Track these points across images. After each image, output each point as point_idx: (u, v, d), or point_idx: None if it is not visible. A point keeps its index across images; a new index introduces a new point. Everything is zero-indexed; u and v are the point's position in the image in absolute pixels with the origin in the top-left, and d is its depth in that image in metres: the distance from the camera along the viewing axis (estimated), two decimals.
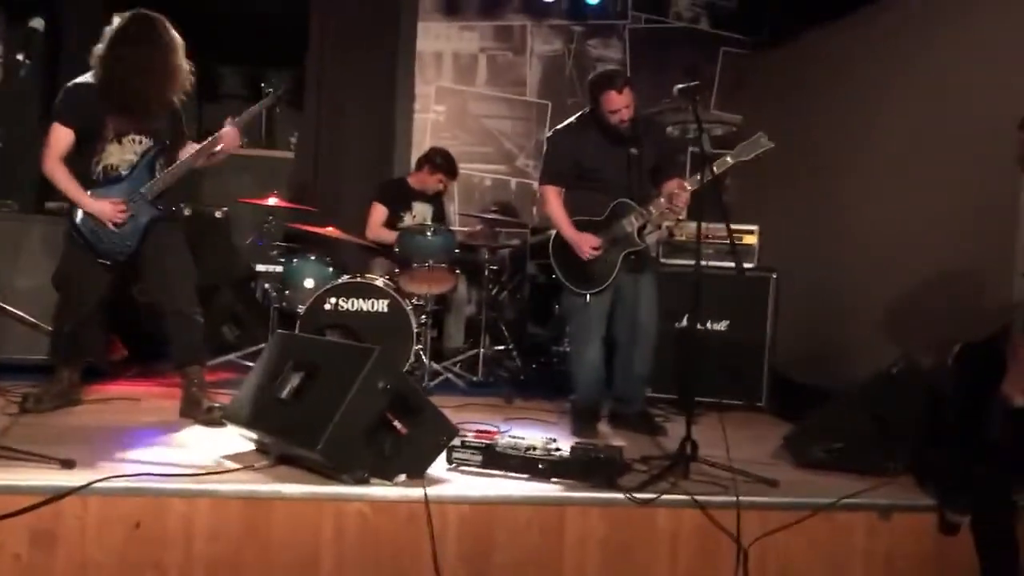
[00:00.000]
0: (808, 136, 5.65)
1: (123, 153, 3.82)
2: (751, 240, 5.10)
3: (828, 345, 5.22)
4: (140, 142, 3.84)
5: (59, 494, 2.75)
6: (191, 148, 3.95)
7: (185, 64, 3.82)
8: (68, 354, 4.02)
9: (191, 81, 3.87)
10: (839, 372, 4.73)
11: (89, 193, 3.77)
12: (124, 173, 3.82)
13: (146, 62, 3.69)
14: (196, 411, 3.89)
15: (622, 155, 4.12)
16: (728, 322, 4.97)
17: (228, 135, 3.89)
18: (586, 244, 4.08)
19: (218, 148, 3.89)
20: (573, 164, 4.19)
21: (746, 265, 5.00)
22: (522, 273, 5.99)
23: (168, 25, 3.78)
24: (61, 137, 3.75)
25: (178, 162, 3.90)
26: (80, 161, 3.80)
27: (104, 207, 3.75)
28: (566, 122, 4.34)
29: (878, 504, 3.23)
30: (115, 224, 3.76)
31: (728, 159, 3.83)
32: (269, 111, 5.60)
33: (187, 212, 5.57)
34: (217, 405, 3.82)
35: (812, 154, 5.61)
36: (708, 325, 4.91)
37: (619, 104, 3.99)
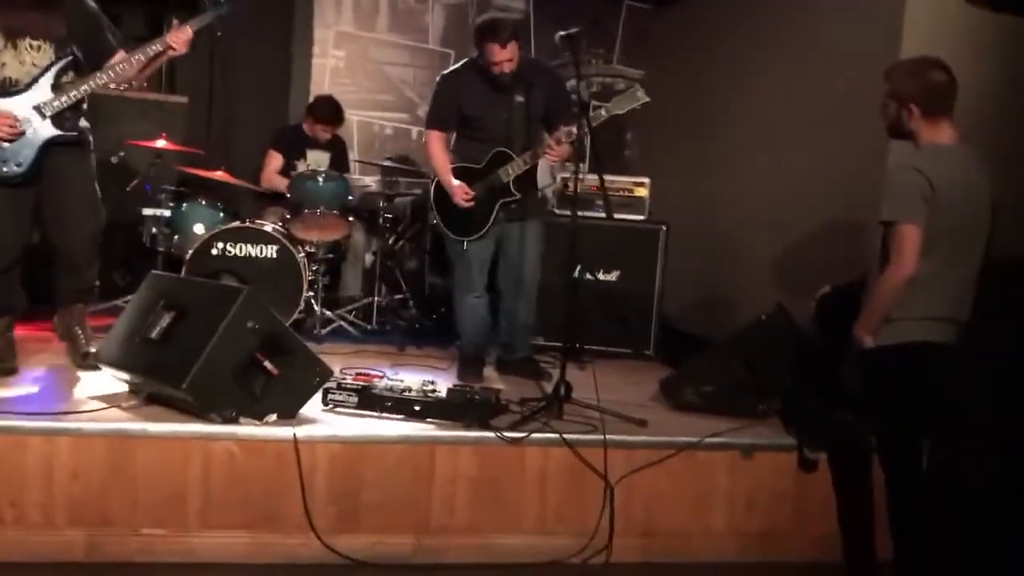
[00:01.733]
0: (700, 92, 5.74)
1: (20, 63, 3.44)
2: (642, 192, 5.18)
3: (715, 295, 5.37)
4: (40, 49, 3.45)
5: None
6: (120, 57, 3.55)
7: None
8: None
9: None
10: (724, 322, 4.86)
11: None
12: (23, 85, 3.42)
13: None
14: (73, 353, 3.76)
15: (506, 103, 4.12)
16: (619, 272, 5.06)
17: (179, 36, 3.48)
18: (460, 192, 4.10)
19: (167, 49, 3.50)
20: (456, 110, 4.19)
21: (637, 217, 5.09)
22: (423, 223, 5.98)
23: None
24: None
25: (94, 74, 3.49)
26: None
27: None
28: (452, 67, 4.33)
29: (740, 444, 3.37)
30: (3, 139, 3.37)
31: (603, 111, 3.86)
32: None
33: (114, 160, 5.38)
34: (93, 350, 3.65)
35: (703, 110, 5.71)
36: (599, 275, 4.99)
37: (501, 57, 3.98)
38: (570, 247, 3.70)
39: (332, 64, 6.37)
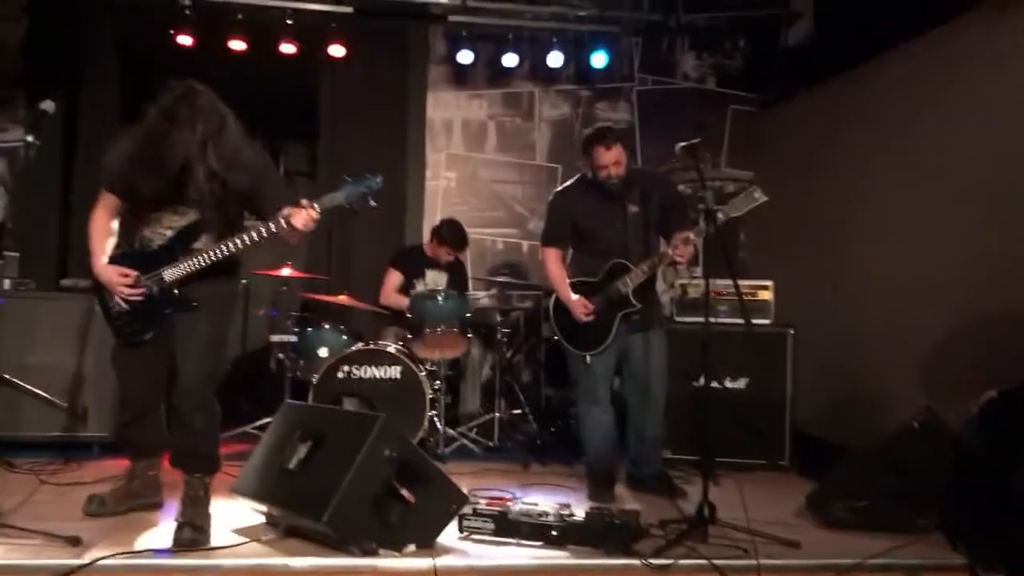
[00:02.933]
0: (818, 190, 5.63)
1: (158, 224, 3.41)
2: (766, 296, 5.03)
3: (851, 400, 5.11)
4: (182, 213, 3.40)
5: (62, 572, 2.71)
6: (256, 225, 3.35)
7: (225, 136, 3.32)
8: (130, 448, 3.64)
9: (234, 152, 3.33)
10: (862, 427, 4.61)
11: (108, 257, 3.43)
12: (155, 247, 3.40)
13: (169, 133, 3.26)
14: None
15: (620, 213, 4.12)
16: (747, 380, 4.89)
17: (304, 218, 3.23)
18: (579, 307, 4.07)
19: (284, 230, 3.26)
20: (570, 225, 4.22)
21: (763, 321, 4.94)
22: (536, 335, 5.96)
23: (210, 96, 3.37)
24: (102, 199, 3.47)
25: (216, 246, 3.33)
26: (131, 227, 3.49)
27: (110, 274, 3.36)
28: (564, 184, 4.38)
29: (906, 564, 3.12)
30: (124, 300, 3.37)
31: (720, 214, 3.79)
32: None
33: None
34: (191, 524, 3.19)
35: (822, 208, 5.58)
36: (726, 383, 4.83)
37: (607, 160, 4.02)
38: (702, 355, 3.59)
39: (444, 185, 6.56)
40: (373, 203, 3.34)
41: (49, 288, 5.21)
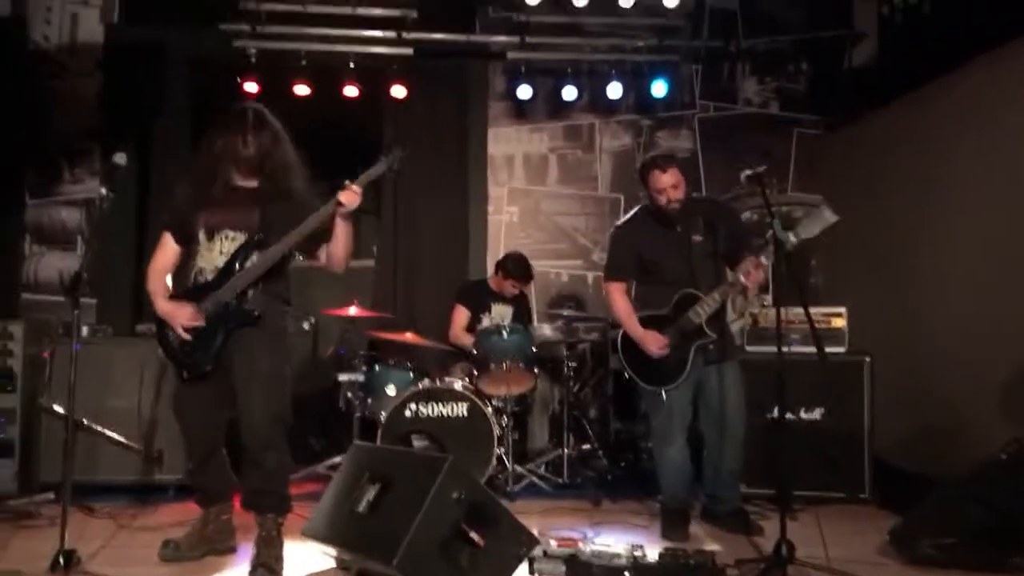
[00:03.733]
0: (889, 212, 5.47)
1: (211, 254, 3.48)
2: (840, 323, 4.88)
3: (933, 428, 4.91)
4: (233, 239, 3.48)
5: None
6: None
7: (282, 152, 3.53)
8: (199, 495, 3.67)
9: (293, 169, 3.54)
10: (947, 456, 4.42)
11: (169, 295, 3.52)
12: (209, 277, 3.47)
13: (223, 148, 3.46)
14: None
15: (683, 244, 4.05)
16: (823, 410, 4.73)
17: (347, 194, 3.39)
18: (653, 341, 3.99)
19: (335, 208, 3.41)
20: (635, 258, 4.15)
21: (837, 349, 4.79)
22: (604, 368, 5.89)
23: (261, 114, 3.54)
24: (161, 241, 3.61)
25: (269, 249, 3.45)
26: (185, 266, 3.59)
27: (171, 309, 3.45)
28: (625, 217, 4.33)
29: None
30: (186, 330, 3.42)
31: (792, 237, 3.68)
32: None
33: (306, 326, 5.55)
34: (265, 565, 3.30)
35: (894, 231, 5.42)
36: (801, 414, 4.70)
37: (665, 183, 3.96)
38: (775, 386, 3.48)
39: (507, 219, 6.57)
40: (396, 167, 3.59)
41: (124, 333, 5.36)
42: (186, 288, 3.54)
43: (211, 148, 3.48)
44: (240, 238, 3.48)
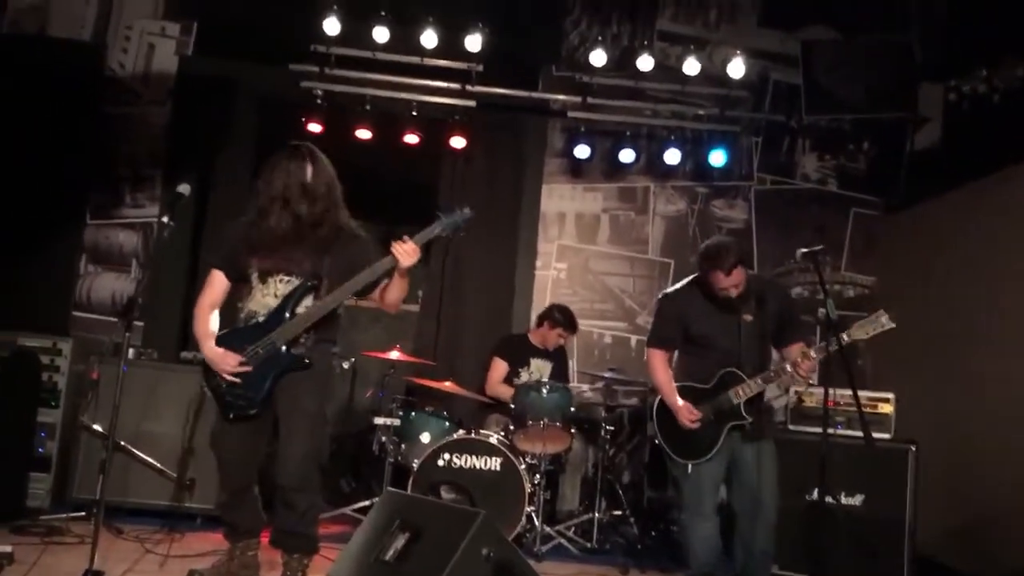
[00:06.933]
0: (944, 301, 5.37)
1: (264, 297, 3.49)
2: (887, 409, 4.77)
3: (977, 525, 4.75)
4: (287, 283, 3.48)
5: None
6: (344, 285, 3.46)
7: (335, 191, 3.53)
8: (228, 529, 3.66)
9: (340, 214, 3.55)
10: (991, 556, 4.27)
11: (217, 337, 3.50)
12: (261, 320, 3.47)
13: (279, 186, 3.46)
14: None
15: (733, 322, 3.98)
16: (864, 496, 4.61)
17: (403, 250, 3.40)
18: (685, 413, 3.93)
19: (393, 267, 3.45)
20: (681, 329, 4.09)
21: (883, 436, 4.67)
22: (641, 434, 5.81)
23: (315, 153, 3.55)
24: (210, 279, 3.61)
25: (325, 297, 3.46)
26: (234, 305, 3.61)
27: (216, 355, 3.44)
28: (676, 286, 4.25)
29: None
30: (232, 374, 3.44)
31: (845, 336, 3.62)
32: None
33: (345, 365, 5.58)
34: None
35: (947, 318, 5.32)
36: (841, 499, 4.58)
37: (727, 284, 3.88)
38: (817, 468, 3.39)
39: (554, 276, 6.57)
40: (463, 233, 3.64)
41: (170, 359, 5.41)
42: (236, 328, 3.54)
43: (268, 186, 3.48)
44: (294, 282, 3.48)
